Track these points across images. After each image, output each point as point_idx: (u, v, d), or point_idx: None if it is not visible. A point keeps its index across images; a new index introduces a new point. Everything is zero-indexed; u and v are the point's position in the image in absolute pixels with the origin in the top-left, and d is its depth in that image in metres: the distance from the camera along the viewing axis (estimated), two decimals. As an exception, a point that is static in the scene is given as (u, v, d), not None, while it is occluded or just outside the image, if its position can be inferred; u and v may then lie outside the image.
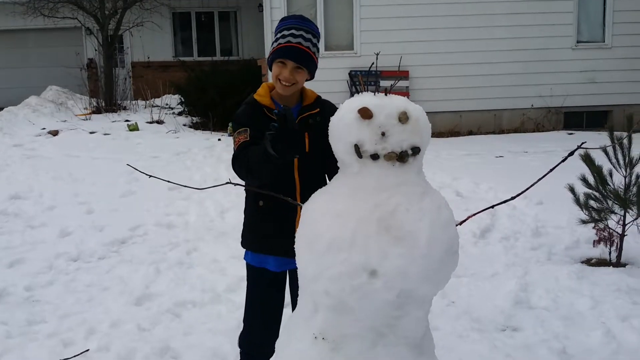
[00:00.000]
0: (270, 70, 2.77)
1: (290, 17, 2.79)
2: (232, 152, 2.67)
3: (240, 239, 2.95)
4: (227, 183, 2.46)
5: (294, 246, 2.29)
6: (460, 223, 2.36)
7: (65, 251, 5.61)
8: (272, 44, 2.74)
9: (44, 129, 12.80)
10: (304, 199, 2.69)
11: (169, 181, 2.62)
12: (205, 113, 13.11)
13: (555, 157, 9.72)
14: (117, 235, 6.11)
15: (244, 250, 2.93)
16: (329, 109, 2.81)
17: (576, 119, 12.67)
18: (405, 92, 11.82)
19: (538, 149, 10.42)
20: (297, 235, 2.29)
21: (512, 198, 2.42)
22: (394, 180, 2.18)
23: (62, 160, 10.13)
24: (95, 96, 15.39)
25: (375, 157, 2.16)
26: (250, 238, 2.89)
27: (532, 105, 12.38)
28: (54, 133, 12.49)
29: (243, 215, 2.92)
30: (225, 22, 19.39)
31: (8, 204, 7.39)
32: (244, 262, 2.95)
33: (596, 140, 11.04)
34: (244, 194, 2.87)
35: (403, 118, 2.15)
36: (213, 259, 5.41)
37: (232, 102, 12.47)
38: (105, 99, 15.15)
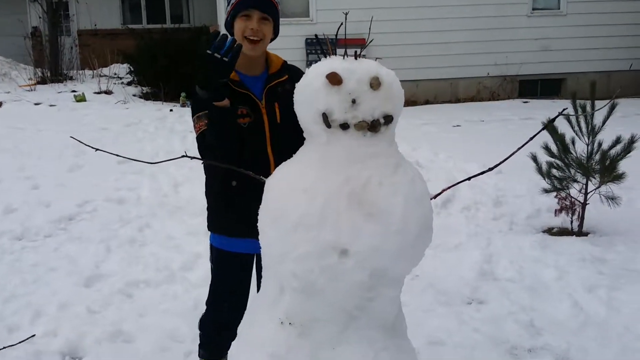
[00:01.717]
0: (232, 29, 2.55)
1: None
2: (195, 137, 2.51)
3: (207, 223, 2.76)
4: (184, 157, 2.25)
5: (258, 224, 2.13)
6: (435, 196, 2.21)
7: (10, 229, 5.30)
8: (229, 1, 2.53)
9: None
10: (276, 158, 2.53)
11: (118, 155, 2.41)
12: (156, 83, 12.70)
13: (512, 125, 9.79)
14: (65, 212, 5.81)
15: (210, 233, 2.75)
16: (298, 75, 2.63)
17: (531, 87, 12.68)
18: (361, 61, 11.62)
19: (494, 117, 10.40)
20: (260, 211, 2.11)
21: (491, 169, 2.28)
22: (365, 152, 2.02)
23: (7, 133, 9.68)
24: (41, 66, 14.79)
25: (345, 126, 1.98)
26: (223, 221, 2.68)
27: (488, 74, 12.31)
28: (-6, 102, 11.98)
29: (205, 194, 2.72)
30: (175, -12, 18.83)
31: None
32: (200, 239, 2.77)
33: (551, 108, 11.12)
34: (198, 167, 2.67)
35: (375, 84, 1.98)
36: (167, 235, 5.17)
37: (183, 71, 12.12)
38: (51, 68, 14.57)
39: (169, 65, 12.60)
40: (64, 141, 8.75)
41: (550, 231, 5.12)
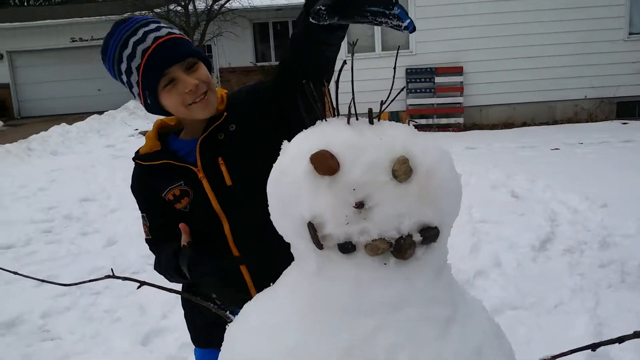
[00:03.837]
0: (160, 108, 1.47)
1: (116, 28, 1.43)
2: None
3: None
4: (109, 277, 1.23)
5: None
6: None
7: (102, 265, 4.52)
8: (130, 75, 1.41)
9: (136, 129, 12.00)
10: (245, 251, 1.46)
11: (29, 276, 1.40)
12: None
13: (611, 149, 8.00)
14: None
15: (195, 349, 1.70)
16: (242, 95, 1.52)
17: (629, 108, 10.73)
18: (459, 87, 10.27)
19: (593, 139, 8.68)
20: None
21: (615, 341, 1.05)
22: (386, 295, 0.87)
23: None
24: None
25: (347, 247, 0.85)
26: (197, 332, 1.65)
27: (585, 96, 10.52)
28: (145, 133, 11.65)
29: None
30: (298, 29, 18.16)
31: (76, 207, 6.45)
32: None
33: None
34: None
35: (401, 171, 0.83)
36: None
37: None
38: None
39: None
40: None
41: (670, 285, 3.65)
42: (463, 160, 6.74)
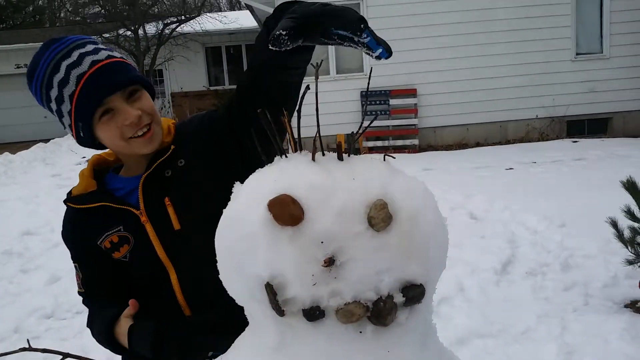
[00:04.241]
0: (95, 141, 1.27)
1: (47, 48, 1.24)
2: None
3: None
4: (24, 349, 1.04)
5: None
6: None
7: (43, 305, 4.21)
8: (61, 104, 1.22)
9: (84, 157, 11.55)
10: (196, 308, 1.27)
11: None
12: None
13: (565, 167, 8.11)
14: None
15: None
16: (193, 125, 1.35)
17: (578, 126, 10.98)
18: (413, 109, 10.30)
19: (546, 158, 8.79)
20: None
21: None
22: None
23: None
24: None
25: (314, 314, 0.68)
26: None
27: (536, 116, 10.72)
28: (93, 161, 11.23)
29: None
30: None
31: (17, 242, 6.07)
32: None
33: (601, 146, 9.43)
34: None
35: (379, 218, 0.67)
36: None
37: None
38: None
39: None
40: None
41: (634, 306, 3.60)
42: (421, 183, 6.67)
